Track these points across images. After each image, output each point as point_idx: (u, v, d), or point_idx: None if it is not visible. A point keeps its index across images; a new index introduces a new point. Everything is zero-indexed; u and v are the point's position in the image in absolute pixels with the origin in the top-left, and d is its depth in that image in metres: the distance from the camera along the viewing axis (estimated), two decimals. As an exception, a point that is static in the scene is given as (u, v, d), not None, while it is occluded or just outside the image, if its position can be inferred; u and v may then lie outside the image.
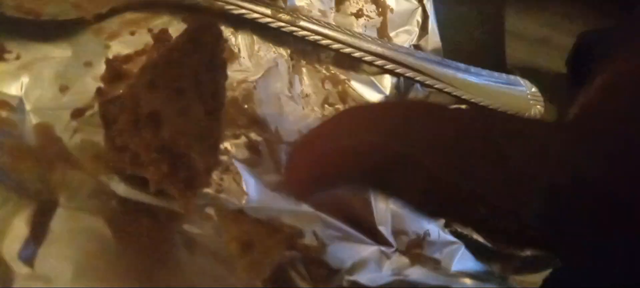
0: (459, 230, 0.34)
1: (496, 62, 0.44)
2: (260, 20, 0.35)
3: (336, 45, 0.37)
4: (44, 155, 0.28)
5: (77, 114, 0.29)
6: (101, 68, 0.31)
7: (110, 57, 0.32)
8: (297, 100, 0.35)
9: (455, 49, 0.43)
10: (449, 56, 0.41)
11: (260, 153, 0.32)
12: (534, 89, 0.42)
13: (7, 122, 0.27)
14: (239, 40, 0.35)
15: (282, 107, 0.34)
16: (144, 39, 0.33)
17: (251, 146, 0.32)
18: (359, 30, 0.40)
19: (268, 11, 0.35)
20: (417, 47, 0.42)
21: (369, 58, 0.38)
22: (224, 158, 0.31)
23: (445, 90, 0.40)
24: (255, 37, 0.36)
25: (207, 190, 0.29)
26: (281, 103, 0.34)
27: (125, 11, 0.33)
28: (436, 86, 0.40)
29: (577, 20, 0.50)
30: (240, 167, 0.31)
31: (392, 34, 0.41)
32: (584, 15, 0.50)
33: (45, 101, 0.29)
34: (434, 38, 0.42)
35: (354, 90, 0.37)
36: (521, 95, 0.42)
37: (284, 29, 0.36)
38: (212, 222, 0.29)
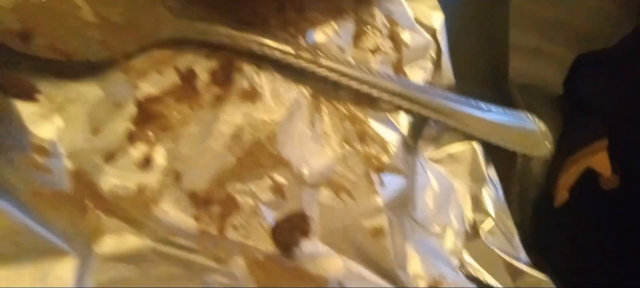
0: (473, 274, 0.35)
1: (499, 78, 0.46)
2: (283, 60, 0.36)
3: (355, 84, 0.37)
4: (79, 202, 0.28)
5: (110, 157, 0.30)
6: (131, 109, 0.31)
7: (140, 98, 0.32)
8: (318, 140, 0.36)
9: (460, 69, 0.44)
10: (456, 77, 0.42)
11: (285, 197, 0.33)
12: (543, 127, 0.44)
13: (44, 169, 0.27)
14: (262, 80, 0.35)
15: (304, 147, 0.35)
16: (171, 78, 0.33)
17: (276, 189, 0.33)
18: (376, 66, 0.41)
19: (291, 50, 0.36)
20: (431, 83, 0.42)
21: (386, 97, 0.38)
22: (250, 201, 0.32)
23: (458, 127, 0.41)
24: (277, 75, 0.36)
25: (236, 236, 0.30)
26: (303, 143, 0.35)
27: (152, 48, 0.33)
28: (449, 123, 0.40)
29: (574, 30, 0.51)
30: (266, 211, 0.32)
31: (407, 69, 0.42)
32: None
33: (79, 144, 0.29)
34: (447, 73, 0.43)
35: (372, 129, 0.37)
36: (531, 133, 0.43)
37: (305, 68, 0.36)
38: (241, 270, 0.29)
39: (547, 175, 0.52)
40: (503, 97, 0.47)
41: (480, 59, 0.49)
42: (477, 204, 0.40)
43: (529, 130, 0.44)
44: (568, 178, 0.65)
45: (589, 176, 0.56)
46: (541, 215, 0.45)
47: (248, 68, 0.36)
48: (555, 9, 0.52)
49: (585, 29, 0.53)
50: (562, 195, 0.60)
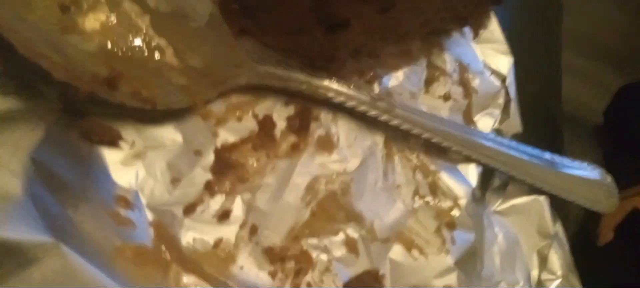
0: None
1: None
2: (359, 108, 0.35)
3: (426, 134, 0.37)
4: (160, 259, 0.27)
5: (189, 210, 0.29)
6: (210, 157, 0.31)
7: (219, 146, 0.31)
8: (390, 192, 0.35)
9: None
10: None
11: (358, 253, 0.32)
12: (609, 180, 0.42)
13: (127, 222, 0.27)
14: (338, 128, 0.35)
15: (377, 199, 0.34)
16: (249, 124, 0.33)
17: (349, 243, 0.32)
18: (446, 113, 0.40)
19: (366, 98, 0.35)
20: (498, 131, 0.41)
21: (456, 147, 0.37)
22: (323, 258, 0.31)
23: (526, 180, 0.40)
24: (352, 124, 0.36)
25: None
26: (376, 195, 0.34)
27: (231, 94, 0.33)
28: (515, 175, 0.40)
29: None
30: (338, 268, 0.31)
31: (476, 118, 0.41)
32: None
33: (158, 195, 0.29)
34: (515, 121, 0.42)
35: (443, 182, 0.37)
36: (598, 187, 0.42)
37: (380, 117, 0.35)
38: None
39: (586, 213, 0.51)
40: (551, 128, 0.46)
41: (533, 96, 0.48)
42: (544, 262, 0.40)
43: (595, 184, 0.43)
44: (614, 217, 0.64)
45: (635, 216, 0.55)
46: (581, 254, 0.43)
47: (325, 116, 0.35)
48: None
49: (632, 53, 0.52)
50: (606, 234, 0.58)
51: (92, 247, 0.25)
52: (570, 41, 0.50)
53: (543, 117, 0.46)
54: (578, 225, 0.50)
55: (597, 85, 0.52)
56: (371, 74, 0.38)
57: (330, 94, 0.35)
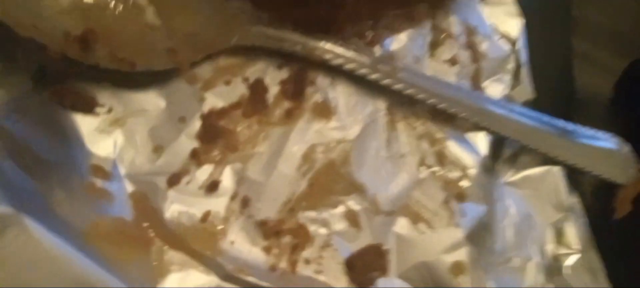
0: None
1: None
2: (359, 72, 0.31)
3: (432, 100, 0.33)
4: (142, 234, 0.24)
5: (174, 180, 0.26)
6: (196, 124, 0.28)
7: (206, 111, 0.28)
8: (394, 161, 0.32)
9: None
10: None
11: (360, 226, 0.29)
12: (627, 149, 0.39)
13: (103, 194, 0.24)
14: (337, 93, 0.32)
15: (379, 168, 0.31)
16: (239, 89, 0.30)
17: (349, 216, 0.29)
18: (452, 78, 0.37)
19: (367, 61, 0.32)
20: (509, 98, 0.38)
21: (464, 114, 0.34)
22: (323, 232, 0.28)
23: (539, 149, 0.36)
24: (352, 89, 0.32)
25: (308, 272, 0.29)
26: (378, 164, 0.31)
27: (219, 56, 0.29)
28: (528, 144, 0.36)
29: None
30: (339, 243, 0.28)
31: (484, 84, 0.37)
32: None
33: (140, 164, 0.26)
34: (526, 88, 0.39)
35: (451, 151, 0.33)
36: (616, 156, 0.39)
37: (382, 81, 0.32)
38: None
39: (600, 185, 0.47)
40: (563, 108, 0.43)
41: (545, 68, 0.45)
42: (559, 236, 0.36)
43: (613, 153, 0.40)
44: (631, 189, 0.61)
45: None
46: (595, 229, 0.40)
47: (322, 80, 0.32)
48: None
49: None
50: (624, 207, 0.55)
51: (61, 220, 0.22)
52: (581, 28, 0.46)
53: (555, 83, 0.43)
54: (592, 198, 0.46)
55: (607, 71, 0.48)
56: (372, 35, 0.34)
57: (328, 56, 0.31)
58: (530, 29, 0.41)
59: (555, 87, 0.43)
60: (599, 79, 0.50)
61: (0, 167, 0.21)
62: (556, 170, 0.37)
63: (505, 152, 0.37)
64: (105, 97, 0.27)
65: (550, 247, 0.35)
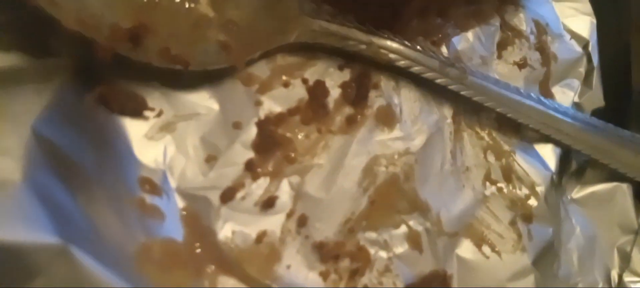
0: None
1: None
2: (426, 75, 0.28)
3: (501, 109, 0.30)
4: (192, 257, 0.21)
5: (227, 197, 0.24)
6: (252, 131, 0.25)
7: (262, 117, 0.25)
8: (458, 176, 0.29)
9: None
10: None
11: (421, 248, 0.26)
12: None
13: (153, 212, 0.21)
14: (401, 98, 0.29)
15: (443, 183, 0.29)
16: (298, 92, 0.27)
17: (411, 238, 0.26)
18: (521, 82, 0.34)
19: (435, 63, 0.28)
20: (577, 105, 0.35)
21: (533, 124, 0.31)
22: (383, 255, 0.26)
23: (610, 164, 0.33)
24: (417, 94, 0.29)
25: None
26: (443, 178, 0.29)
27: (277, 54, 0.26)
28: (596, 158, 0.33)
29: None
30: (400, 268, 0.26)
31: (554, 89, 0.34)
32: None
33: (191, 177, 0.23)
34: (597, 95, 0.36)
35: (519, 165, 0.30)
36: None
37: (449, 87, 0.29)
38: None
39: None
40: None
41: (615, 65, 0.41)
42: (625, 261, 0.34)
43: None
44: None
45: None
46: None
47: (385, 83, 0.29)
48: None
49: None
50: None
51: (109, 245, 0.20)
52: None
53: (624, 89, 0.39)
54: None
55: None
56: (439, 36, 0.31)
57: (394, 57, 0.29)
58: (601, 27, 0.38)
59: (619, 93, 0.39)
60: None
61: (45, 188, 0.18)
62: (625, 187, 0.34)
63: (572, 165, 0.34)
64: (154, 98, 0.24)
65: (616, 272, 0.32)
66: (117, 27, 0.22)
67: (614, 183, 0.35)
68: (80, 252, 0.18)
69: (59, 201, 0.19)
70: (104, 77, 0.23)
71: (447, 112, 0.31)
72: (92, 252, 0.19)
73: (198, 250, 0.22)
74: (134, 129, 0.23)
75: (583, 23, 0.38)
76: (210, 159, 0.24)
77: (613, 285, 0.33)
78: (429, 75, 0.30)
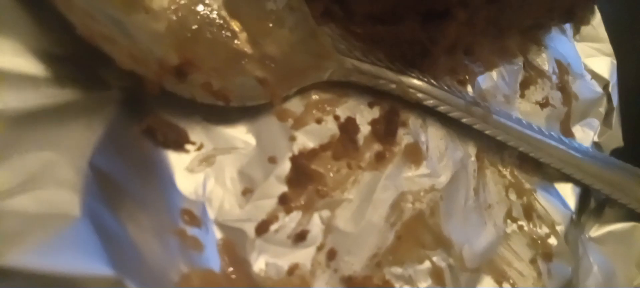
0: None
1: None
2: (452, 114, 0.30)
3: (523, 147, 0.32)
4: (228, 286, 0.23)
5: (262, 229, 0.25)
6: (286, 165, 0.26)
7: (296, 152, 0.27)
8: (481, 212, 0.30)
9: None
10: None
11: (445, 283, 0.28)
12: None
13: (194, 243, 0.23)
14: (428, 136, 0.30)
15: (466, 220, 0.30)
16: (330, 128, 0.28)
17: (435, 273, 0.28)
18: (542, 121, 0.35)
19: (461, 102, 0.30)
20: (597, 145, 0.36)
21: (554, 163, 0.33)
22: (408, 289, 0.27)
23: (630, 205, 0.35)
24: (444, 132, 0.31)
25: None
26: (466, 215, 0.30)
27: (311, 90, 0.28)
28: (617, 198, 0.35)
29: None
30: (425, 303, 0.27)
31: (574, 128, 0.36)
32: None
33: (229, 209, 0.25)
34: (616, 135, 0.38)
35: (540, 204, 0.32)
36: None
37: (474, 126, 0.30)
38: None
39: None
40: None
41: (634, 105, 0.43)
42: (642, 300, 0.35)
43: None
44: None
45: None
46: None
47: (413, 121, 0.30)
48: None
49: None
50: None
51: (155, 275, 0.21)
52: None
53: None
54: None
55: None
56: (464, 75, 0.32)
57: (422, 96, 0.30)
58: (621, 68, 0.39)
59: (639, 133, 0.41)
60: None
61: (100, 219, 0.20)
62: (642, 226, 0.35)
63: (591, 203, 0.35)
64: (195, 132, 0.25)
65: (633, 313, 0.34)
66: (165, 62, 0.24)
67: (632, 223, 0.37)
68: (132, 284, 0.19)
69: (112, 231, 0.20)
70: (150, 110, 0.24)
71: (472, 150, 0.32)
72: (141, 283, 0.20)
73: (234, 281, 0.24)
74: (176, 161, 0.25)
75: (604, 63, 0.39)
76: (247, 192, 0.26)
77: (629, 325, 0.35)
78: (455, 114, 0.31)
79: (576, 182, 0.34)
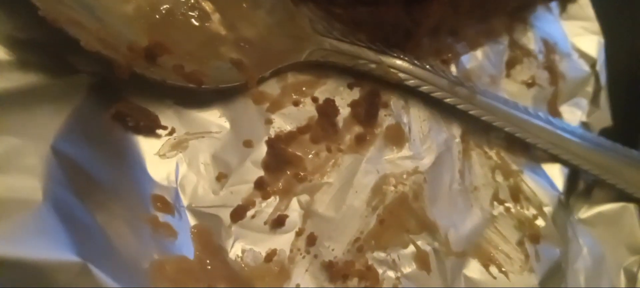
0: None
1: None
2: (435, 94, 0.30)
3: (509, 128, 0.32)
4: (203, 275, 0.23)
5: (238, 215, 0.25)
6: (262, 149, 0.26)
7: (272, 135, 0.26)
8: (467, 196, 0.30)
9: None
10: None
11: (429, 268, 0.27)
12: None
13: (166, 230, 0.22)
14: (410, 117, 0.30)
15: (452, 203, 0.30)
16: (308, 110, 0.28)
17: (419, 258, 0.28)
18: (529, 101, 0.35)
19: (445, 82, 0.30)
20: (585, 125, 0.36)
21: (541, 144, 0.32)
22: (391, 275, 0.27)
23: (617, 184, 0.35)
24: (427, 113, 0.31)
25: None
26: (451, 198, 0.30)
27: (288, 72, 0.28)
28: (604, 178, 0.35)
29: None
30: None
31: (561, 108, 0.36)
32: None
33: (202, 195, 0.24)
34: (604, 114, 0.37)
35: (527, 185, 0.32)
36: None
37: (459, 106, 0.30)
38: None
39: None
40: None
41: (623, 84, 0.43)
42: (632, 282, 0.35)
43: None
44: None
45: None
46: None
47: (395, 103, 0.30)
48: None
49: None
50: None
51: (125, 262, 0.21)
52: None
53: (632, 109, 0.41)
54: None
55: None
56: (449, 55, 0.32)
57: (403, 76, 0.30)
58: (610, 47, 0.39)
59: (627, 113, 0.41)
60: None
61: (65, 205, 0.20)
62: (632, 207, 0.36)
63: (580, 185, 0.35)
64: (167, 117, 0.25)
65: (623, 294, 0.33)
66: (135, 45, 0.24)
67: (622, 204, 0.36)
68: (98, 270, 0.19)
69: (79, 218, 0.20)
70: (120, 96, 0.24)
71: (456, 131, 0.32)
72: (110, 270, 0.20)
73: (209, 268, 0.23)
74: (147, 147, 0.24)
75: (591, 42, 0.39)
76: (221, 177, 0.25)
77: (620, 306, 0.35)
78: (438, 94, 0.31)
79: (564, 163, 0.34)
